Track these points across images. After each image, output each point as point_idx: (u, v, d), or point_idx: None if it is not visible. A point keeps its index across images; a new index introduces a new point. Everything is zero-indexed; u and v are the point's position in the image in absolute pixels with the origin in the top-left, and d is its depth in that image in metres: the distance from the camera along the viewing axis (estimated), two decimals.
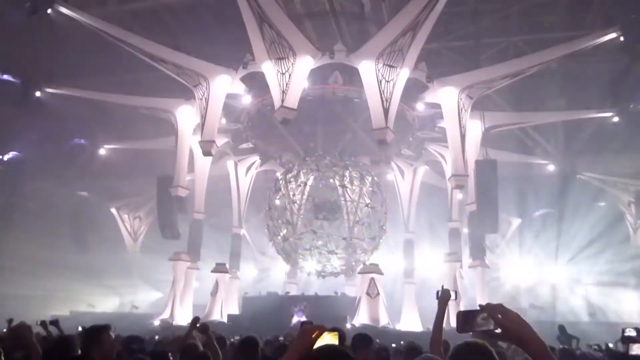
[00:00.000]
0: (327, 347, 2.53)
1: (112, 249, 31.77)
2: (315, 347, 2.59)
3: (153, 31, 22.80)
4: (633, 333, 6.42)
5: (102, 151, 29.97)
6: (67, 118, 26.97)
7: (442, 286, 4.55)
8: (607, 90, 24.05)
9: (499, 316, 2.31)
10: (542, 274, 30.34)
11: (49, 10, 20.47)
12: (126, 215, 33.11)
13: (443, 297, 4.22)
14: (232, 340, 10.07)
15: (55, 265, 28.26)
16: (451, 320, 5.30)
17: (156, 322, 23.22)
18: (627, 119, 23.63)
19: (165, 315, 23.87)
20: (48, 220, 29.89)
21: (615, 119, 23.71)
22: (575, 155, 27.47)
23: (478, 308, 2.40)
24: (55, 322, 8.94)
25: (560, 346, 7.20)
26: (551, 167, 27.82)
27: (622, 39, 19.81)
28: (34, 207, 28.95)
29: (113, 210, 32.72)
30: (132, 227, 33.37)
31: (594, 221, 26.58)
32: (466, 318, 2.39)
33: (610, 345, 9.11)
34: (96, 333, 4.74)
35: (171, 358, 5.90)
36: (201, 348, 5.93)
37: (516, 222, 30.71)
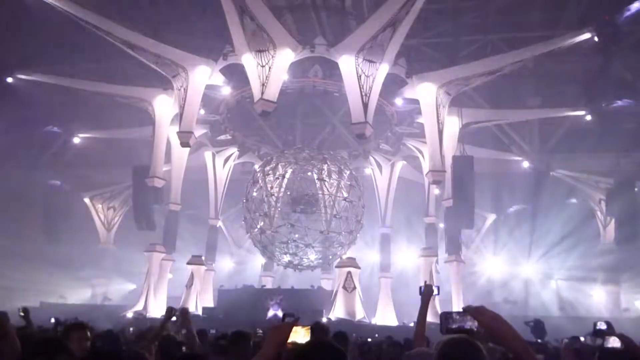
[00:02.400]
0: (314, 342, 2.58)
1: (84, 240, 31.19)
2: (296, 341, 2.65)
3: (131, 19, 22.38)
4: (604, 326, 6.56)
5: (76, 139, 29.37)
6: (40, 105, 26.35)
7: (425, 282, 4.63)
8: (581, 90, 24.57)
9: (482, 317, 2.37)
10: (516, 269, 30.90)
11: None
12: (100, 205, 32.52)
13: (426, 293, 4.28)
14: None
15: (26, 256, 27.64)
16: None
17: (129, 314, 22.95)
18: (600, 118, 24.16)
19: (139, 307, 23.62)
20: (19, 209, 29.19)
21: (588, 117, 24.22)
22: (549, 153, 27.99)
23: (461, 309, 2.49)
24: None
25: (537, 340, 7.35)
26: (525, 164, 28.27)
27: (596, 39, 20.26)
28: (3, 195, 28.18)
29: (86, 200, 32.12)
30: (106, 218, 32.81)
31: (566, 218, 27.15)
32: (449, 318, 2.46)
33: (582, 339, 9.33)
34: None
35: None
36: (178, 339, 5.88)
37: (491, 217, 31.18)
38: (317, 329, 4.95)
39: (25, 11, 21.10)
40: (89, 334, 4.89)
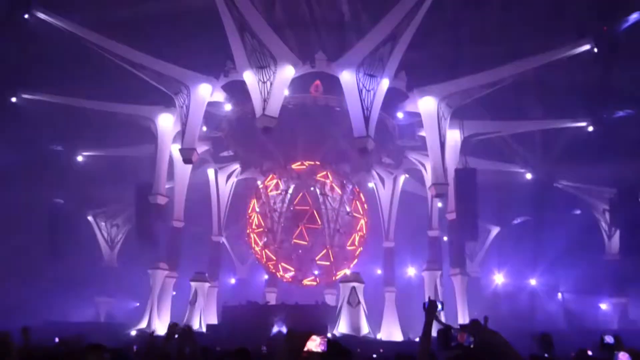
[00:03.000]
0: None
1: (88, 258, 31.14)
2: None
3: (134, 39, 22.57)
4: (611, 340, 6.45)
5: (79, 158, 29.45)
6: (44, 124, 26.45)
7: (429, 298, 4.57)
8: (582, 100, 24.59)
9: (480, 334, 2.36)
10: (521, 281, 30.63)
11: (26, 16, 20.20)
12: (103, 223, 32.56)
13: (430, 309, 4.20)
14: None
15: (30, 274, 27.59)
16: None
17: (133, 332, 22.83)
18: (601, 128, 24.17)
19: (143, 324, 23.49)
20: (22, 228, 29.18)
21: (590, 128, 24.24)
22: (551, 164, 27.91)
23: (458, 327, 2.48)
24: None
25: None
26: (529, 176, 28.20)
27: (595, 50, 20.36)
28: (7, 214, 28.22)
29: (90, 218, 32.14)
30: (109, 235, 32.82)
31: (570, 229, 26.98)
32: (448, 336, 2.45)
33: (589, 353, 9.21)
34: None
35: None
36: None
37: (495, 230, 31.02)
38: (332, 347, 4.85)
39: (29, 32, 21.31)
40: (105, 355, 4.82)
